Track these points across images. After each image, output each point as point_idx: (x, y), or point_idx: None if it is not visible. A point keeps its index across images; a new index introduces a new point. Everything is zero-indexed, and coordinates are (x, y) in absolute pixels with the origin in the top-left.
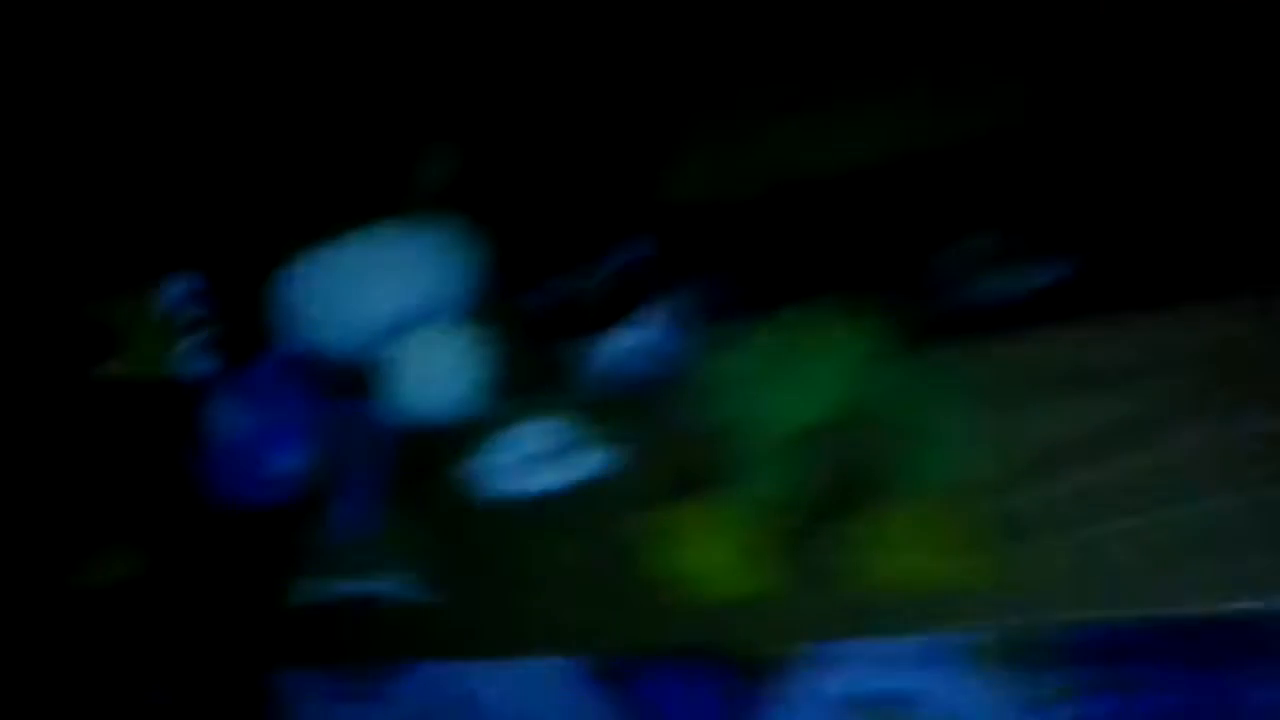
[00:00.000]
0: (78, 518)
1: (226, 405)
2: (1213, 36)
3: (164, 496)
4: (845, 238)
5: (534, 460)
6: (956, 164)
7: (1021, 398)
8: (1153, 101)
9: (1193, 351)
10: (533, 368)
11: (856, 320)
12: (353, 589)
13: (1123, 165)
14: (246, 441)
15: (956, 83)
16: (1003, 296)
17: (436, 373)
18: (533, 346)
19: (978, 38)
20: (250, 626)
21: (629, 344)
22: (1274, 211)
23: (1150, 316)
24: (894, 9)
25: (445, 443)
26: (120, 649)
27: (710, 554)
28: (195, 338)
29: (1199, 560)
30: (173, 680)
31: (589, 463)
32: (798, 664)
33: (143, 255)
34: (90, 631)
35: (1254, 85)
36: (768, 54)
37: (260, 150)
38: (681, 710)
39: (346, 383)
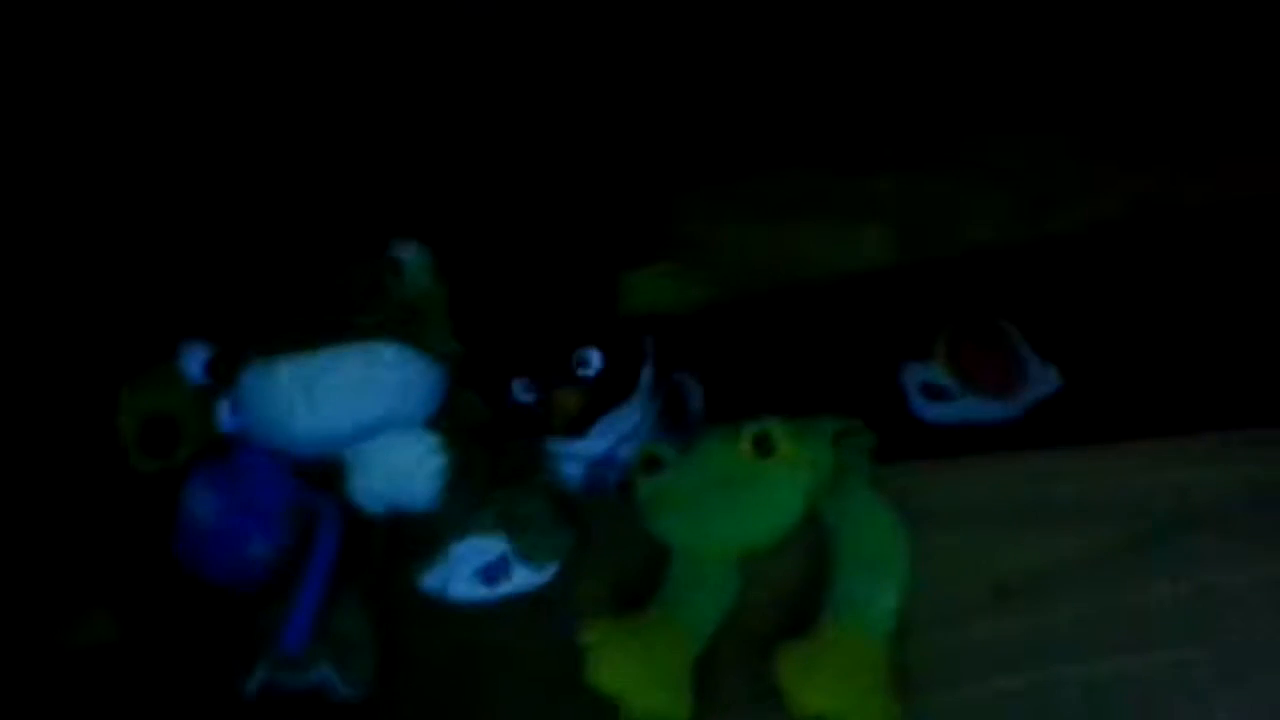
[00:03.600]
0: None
1: (204, 487)
2: None
3: (141, 566)
4: (800, 352)
5: (481, 573)
6: (924, 280)
7: (972, 529)
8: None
9: (1150, 493)
10: (488, 472)
11: (807, 440)
12: (296, 680)
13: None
14: (223, 524)
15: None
16: (962, 420)
17: (395, 475)
18: (489, 454)
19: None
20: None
21: (594, 453)
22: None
23: (1109, 453)
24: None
25: (397, 542)
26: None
27: (628, 676)
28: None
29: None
30: None
31: (536, 574)
32: None
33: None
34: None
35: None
36: (738, 162)
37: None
38: None
39: (313, 477)
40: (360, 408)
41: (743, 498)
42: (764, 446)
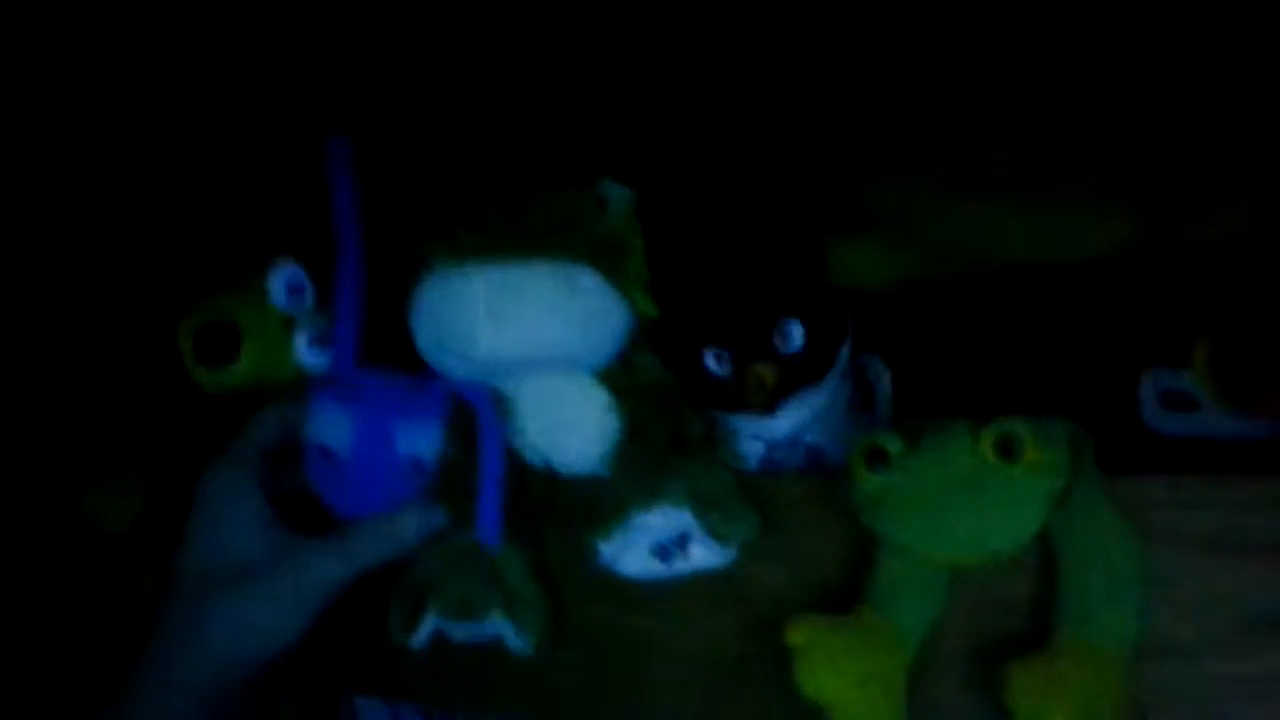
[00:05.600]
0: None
1: (326, 410)
2: None
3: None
4: (1031, 341)
5: (658, 549)
6: (1176, 276)
7: (1217, 554)
8: None
9: None
10: (664, 443)
11: (1045, 450)
12: (467, 630)
13: None
14: (361, 440)
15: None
16: (1201, 435)
17: (554, 426)
18: (672, 420)
19: (1203, 133)
20: (342, 650)
21: (779, 433)
22: None
23: None
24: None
25: (563, 499)
26: None
27: (841, 682)
28: (309, 331)
29: None
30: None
31: (717, 555)
32: None
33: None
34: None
35: None
36: (964, 133)
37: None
38: None
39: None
40: (546, 330)
41: (988, 503)
42: (1009, 449)
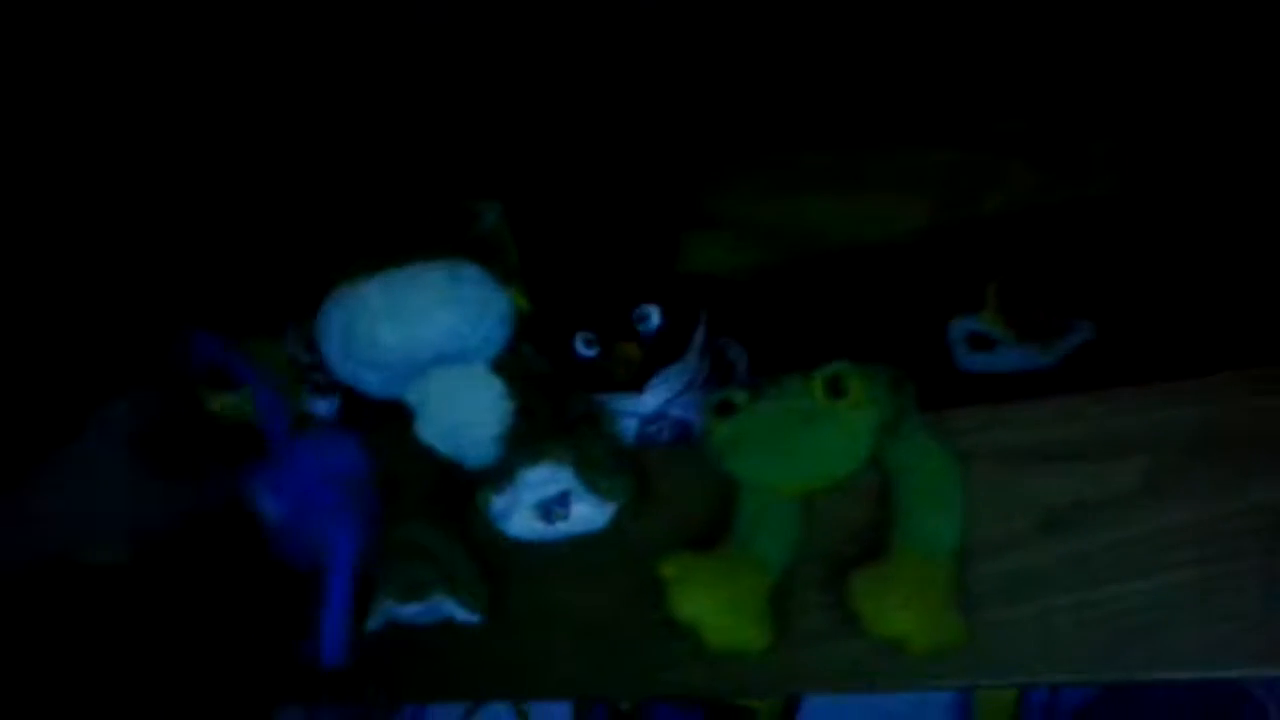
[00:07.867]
0: None
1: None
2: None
3: None
4: (860, 310)
5: (542, 508)
6: (970, 240)
7: (1018, 467)
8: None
9: (1176, 429)
10: (551, 421)
11: (867, 388)
12: (414, 613)
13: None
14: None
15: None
16: (1003, 369)
17: (459, 416)
18: (553, 401)
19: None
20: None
21: (647, 408)
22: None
23: (1136, 394)
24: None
25: (464, 483)
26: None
27: (709, 606)
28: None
29: (1167, 630)
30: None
31: (596, 514)
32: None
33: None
34: None
35: None
36: (792, 135)
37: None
38: None
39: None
40: (441, 318)
41: (819, 436)
42: (836, 389)
